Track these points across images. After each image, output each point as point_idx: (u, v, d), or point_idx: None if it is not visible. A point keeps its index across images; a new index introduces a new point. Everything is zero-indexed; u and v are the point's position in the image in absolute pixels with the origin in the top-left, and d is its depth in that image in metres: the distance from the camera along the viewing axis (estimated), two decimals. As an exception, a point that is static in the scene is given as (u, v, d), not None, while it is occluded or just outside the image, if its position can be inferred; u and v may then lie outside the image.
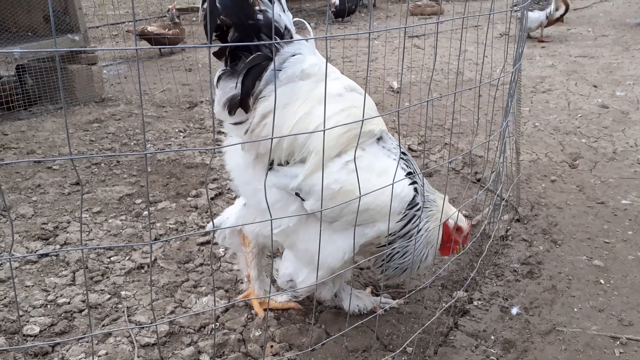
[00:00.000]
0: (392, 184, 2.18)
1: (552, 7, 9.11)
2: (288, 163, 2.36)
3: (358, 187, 2.05)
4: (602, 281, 3.18)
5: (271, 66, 2.25)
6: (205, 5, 2.13)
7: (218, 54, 2.28)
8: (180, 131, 5.56)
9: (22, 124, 5.62)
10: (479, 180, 4.38)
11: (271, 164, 2.37)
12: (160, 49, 9.14)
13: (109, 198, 4.09)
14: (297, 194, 2.35)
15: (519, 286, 3.15)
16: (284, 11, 2.30)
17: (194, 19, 11.90)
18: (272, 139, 1.82)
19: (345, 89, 2.41)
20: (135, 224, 3.74)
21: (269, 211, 1.91)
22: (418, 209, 2.48)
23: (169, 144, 5.21)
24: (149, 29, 8.71)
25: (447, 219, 2.61)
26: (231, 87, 2.27)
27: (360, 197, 2.07)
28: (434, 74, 7.49)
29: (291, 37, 2.32)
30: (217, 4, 2.14)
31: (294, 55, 2.30)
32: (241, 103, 2.27)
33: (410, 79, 7.14)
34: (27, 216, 3.82)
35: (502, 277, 3.23)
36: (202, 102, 6.50)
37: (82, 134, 5.43)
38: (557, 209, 3.97)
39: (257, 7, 2.20)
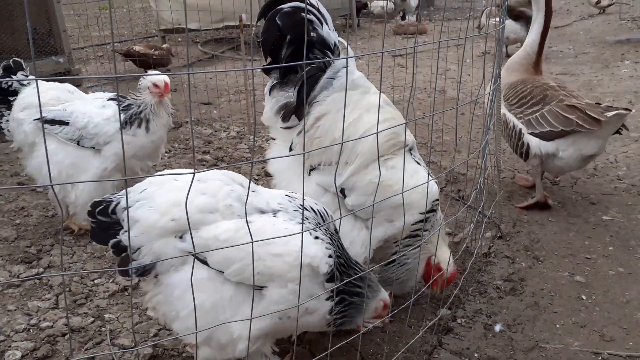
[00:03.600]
0: (428, 182, 2.57)
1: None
2: (327, 166, 2.61)
3: (396, 181, 2.42)
4: (583, 297, 3.21)
5: (325, 75, 2.55)
6: (259, 23, 2.51)
7: (268, 70, 2.59)
8: (165, 152, 5.56)
9: (5, 146, 5.60)
10: (462, 197, 4.42)
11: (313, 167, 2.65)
12: (145, 69, 9.16)
13: (93, 220, 4.07)
14: (341, 191, 2.58)
15: (502, 303, 3.17)
16: (332, 30, 2.57)
17: (179, 39, 11.95)
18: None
19: (384, 102, 2.65)
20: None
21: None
22: (437, 206, 2.76)
23: (154, 165, 5.20)
24: (135, 48, 8.74)
25: (431, 256, 2.81)
26: (286, 96, 2.56)
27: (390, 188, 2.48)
28: (418, 92, 7.57)
29: (339, 53, 2.60)
30: (277, 21, 2.43)
31: (345, 67, 2.57)
32: (296, 110, 2.54)
33: (394, 97, 7.20)
34: (10, 239, 3.80)
35: (485, 294, 3.26)
36: (187, 122, 6.52)
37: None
38: (539, 225, 4.01)
39: (310, 26, 2.49)
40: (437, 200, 2.76)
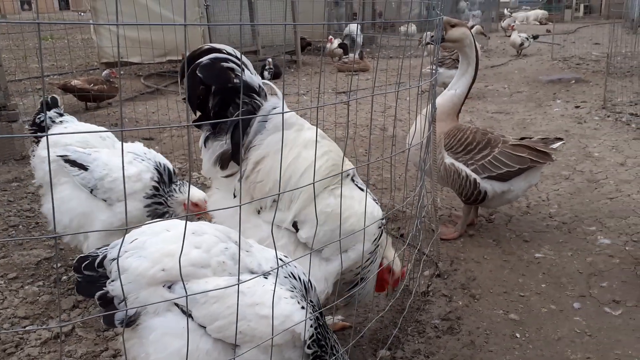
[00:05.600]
0: (376, 204, 2.76)
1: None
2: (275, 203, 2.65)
3: (346, 209, 2.56)
4: (517, 335, 3.30)
5: (256, 119, 2.58)
6: (185, 79, 2.44)
7: (199, 123, 2.57)
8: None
9: None
10: (401, 235, 4.50)
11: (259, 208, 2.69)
12: (85, 102, 9.01)
13: (26, 262, 3.95)
14: (293, 225, 2.62)
15: (440, 343, 3.23)
16: (253, 74, 2.61)
17: (121, 72, 11.84)
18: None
19: (320, 136, 2.70)
20: (54, 290, 3.62)
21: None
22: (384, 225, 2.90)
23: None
24: (73, 82, 8.60)
25: (383, 258, 2.96)
26: (221, 145, 2.57)
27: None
28: (360, 129, 7.70)
29: (265, 95, 2.63)
30: (198, 74, 2.41)
31: (274, 108, 2.61)
32: (233, 156, 2.54)
33: (337, 134, 7.32)
34: None
35: (423, 334, 3.31)
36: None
37: (0, 194, 5.25)
38: (475, 263, 4.12)
39: (232, 74, 2.49)
40: (383, 219, 2.86)
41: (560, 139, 4.38)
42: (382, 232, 2.87)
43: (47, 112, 3.78)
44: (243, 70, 2.53)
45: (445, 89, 4.62)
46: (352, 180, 2.82)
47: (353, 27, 15.57)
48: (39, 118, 3.77)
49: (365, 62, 13.40)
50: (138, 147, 3.54)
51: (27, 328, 3.25)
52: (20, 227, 4.57)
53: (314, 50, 16.32)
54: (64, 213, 3.41)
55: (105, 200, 3.35)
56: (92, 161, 3.38)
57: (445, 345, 3.20)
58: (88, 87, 8.54)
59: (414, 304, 3.56)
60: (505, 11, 29.93)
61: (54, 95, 3.90)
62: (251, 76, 2.59)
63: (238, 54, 2.53)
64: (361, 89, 10.24)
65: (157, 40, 9.38)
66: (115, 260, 2.03)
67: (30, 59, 12.55)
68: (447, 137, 4.40)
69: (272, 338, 2.01)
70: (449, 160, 4.35)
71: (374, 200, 2.83)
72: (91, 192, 3.35)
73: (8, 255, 4.05)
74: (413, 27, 16.53)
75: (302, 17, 13.95)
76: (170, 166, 3.50)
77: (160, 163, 3.45)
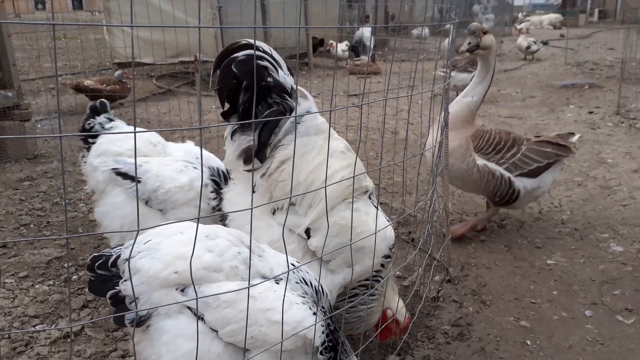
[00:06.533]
0: (390, 224, 2.73)
1: None
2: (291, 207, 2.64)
3: (359, 224, 2.58)
4: (528, 342, 3.27)
5: (290, 119, 2.59)
6: (218, 72, 2.48)
7: (226, 115, 2.60)
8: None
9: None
10: (412, 240, 4.47)
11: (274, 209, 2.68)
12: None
13: (37, 262, 3.97)
14: (306, 232, 2.60)
15: (450, 349, 3.20)
16: (287, 75, 2.60)
17: (134, 72, 11.88)
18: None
19: (346, 148, 2.75)
20: (64, 290, 3.63)
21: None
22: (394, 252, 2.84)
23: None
24: (85, 83, 8.64)
25: (387, 309, 2.88)
26: (248, 140, 2.57)
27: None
28: (372, 132, 7.68)
29: (297, 97, 2.62)
30: (233, 68, 2.43)
31: (308, 111, 2.64)
32: (258, 153, 2.56)
33: (347, 137, 7.30)
34: (-53, 282, 3.66)
35: (433, 340, 3.29)
36: (139, 159, 6.43)
37: (12, 192, 5.28)
38: (486, 269, 4.09)
39: (266, 72, 2.51)
40: (394, 245, 2.81)
41: (573, 134, 4.50)
42: (391, 258, 2.82)
43: (97, 118, 3.74)
44: (277, 69, 2.54)
45: (456, 92, 4.60)
46: (370, 197, 2.80)
47: (364, 31, 15.53)
48: (88, 124, 3.73)
49: (377, 64, 13.38)
50: (190, 150, 3.45)
51: (37, 328, 3.26)
52: (32, 226, 4.59)
53: (325, 52, 16.30)
54: (115, 219, 3.36)
55: (161, 210, 3.28)
56: (144, 173, 3.27)
57: (455, 351, 3.18)
58: (100, 88, 8.57)
59: (424, 310, 3.53)
60: (520, 15, 29.82)
61: (102, 100, 3.84)
62: (284, 76, 2.58)
63: (274, 53, 2.55)
64: (373, 92, 10.22)
65: (169, 41, 9.43)
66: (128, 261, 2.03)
67: (44, 59, 12.64)
68: (474, 140, 4.40)
69: (283, 343, 2.00)
70: (481, 161, 4.33)
71: (388, 221, 2.79)
72: (146, 203, 3.26)
73: (19, 254, 4.07)
74: (426, 31, 16.49)
75: (314, 19, 13.93)
76: (223, 167, 3.36)
77: (213, 168, 3.33)
